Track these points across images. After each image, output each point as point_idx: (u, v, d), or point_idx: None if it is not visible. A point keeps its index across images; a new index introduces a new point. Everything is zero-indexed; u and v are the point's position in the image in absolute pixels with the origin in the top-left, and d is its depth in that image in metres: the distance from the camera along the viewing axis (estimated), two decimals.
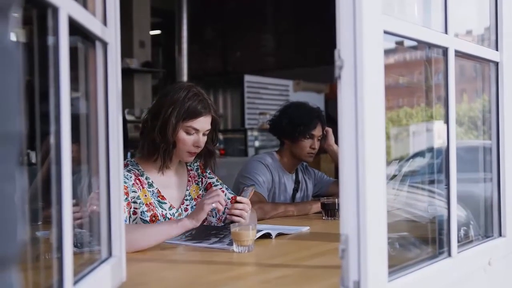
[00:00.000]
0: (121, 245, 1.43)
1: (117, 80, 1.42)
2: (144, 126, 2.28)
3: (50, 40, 1.04)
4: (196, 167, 2.46)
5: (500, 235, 1.84)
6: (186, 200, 2.37)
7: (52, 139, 1.04)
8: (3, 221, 0.60)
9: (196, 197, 2.40)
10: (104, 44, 1.38)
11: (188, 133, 2.23)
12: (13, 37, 0.63)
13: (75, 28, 1.14)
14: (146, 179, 2.26)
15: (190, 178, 2.42)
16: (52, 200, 1.04)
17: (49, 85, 1.04)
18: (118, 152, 1.42)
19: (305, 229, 2.39)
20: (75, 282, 1.11)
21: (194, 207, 2.34)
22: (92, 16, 1.28)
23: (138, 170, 2.26)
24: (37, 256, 1.25)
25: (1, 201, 0.60)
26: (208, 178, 2.47)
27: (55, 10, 1.02)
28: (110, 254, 1.40)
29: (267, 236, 2.15)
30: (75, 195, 1.09)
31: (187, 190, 2.38)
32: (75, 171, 1.10)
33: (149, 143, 2.24)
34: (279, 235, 2.22)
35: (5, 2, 0.61)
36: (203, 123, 2.25)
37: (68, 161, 1.04)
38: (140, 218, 2.19)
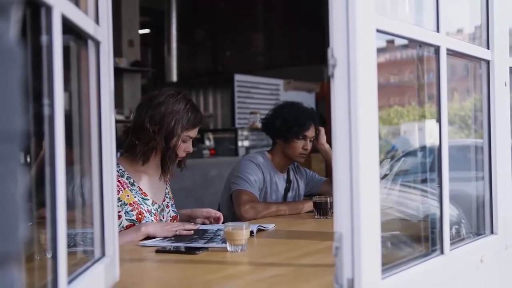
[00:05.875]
0: (114, 245, 1.42)
1: (109, 79, 1.41)
2: (140, 130, 2.31)
3: (43, 39, 1.04)
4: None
5: (492, 232, 1.86)
6: (167, 197, 2.49)
7: (45, 139, 1.03)
8: (6, 219, 0.60)
9: (171, 197, 2.54)
10: (97, 43, 1.38)
11: (184, 141, 2.36)
12: (14, 36, 0.63)
13: (68, 27, 1.13)
14: (127, 179, 2.33)
15: (167, 179, 2.53)
16: (46, 200, 1.03)
17: (42, 84, 1.03)
18: (111, 152, 1.41)
19: (271, 226, 2.42)
20: (69, 282, 1.11)
21: (173, 205, 2.51)
22: (85, 15, 1.27)
23: (118, 171, 2.30)
24: (29, 256, 1.24)
25: (3, 199, 0.60)
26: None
27: (48, 9, 1.01)
28: (103, 254, 1.39)
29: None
30: (66, 195, 1.08)
31: (166, 189, 2.51)
32: (67, 171, 1.10)
33: (149, 150, 2.31)
34: (259, 231, 2.28)
35: (7, 1, 0.61)
36: (197, 131, 2.42)
37: (61, 160, 1.04)
38: (126, 219, 2.25)
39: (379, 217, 1.25)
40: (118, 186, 2.24)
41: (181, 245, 2.00)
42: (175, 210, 2.51)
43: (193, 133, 2.38)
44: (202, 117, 2.42)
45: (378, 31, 1.27)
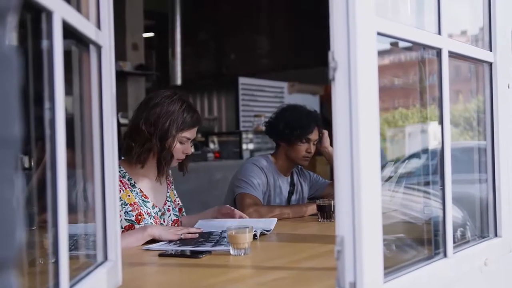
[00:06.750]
0: (116, 249, 1.42)
1: (111, 83, 1.42)
2: (136, 132, 2.31)
3: (44, 43, 1.04)
4: (170, 174, 2.58)
5: (496, 235, 1.85)
6: (168, 201, 2.48)
7: (46, 144, 1.03)
8: (2, 223, 0.60)
9: (173, 200, 2.52)
10: (98, 48, 1.38)
11: (181, 142, 2.35)
12: (11, 41, 0.63)
13: (69, 32, 1.14)
14: (128, 180, 2.34)
15: (168, 182, 2.53)
16: (48, 205, 1.03)
17: (43, 89, 1.04)
18: (113, 156, 1.41)
19: (274, 221, 2.44)
20: (71, 286, 1.11)
21: (175, 208, 2.49)
22: (86, 19, 1.27)
23: (120, 172, 2.30)
24: (32, 260, 1.25)
25: (0, 204, 0.60)
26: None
27: (49, 14, 1.01)
28: (105, 258, 1.39)
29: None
30: (70, 200, 1.09)
31: (168, 192, 2.50)
32: (70, 175, 1.10)
33: (145, 151, 2.31)
34: (262, 234, 2.28)
35: (3, 6, 0.61)
36: (194, 132, 2.40)
37: (63, 165, 1.04)
38: (125, 219, 2.26)
39: (381, 220, 1.25)
40: (119, 185, 2.24)
41: (188, 248, 1.99)
42: (177, 214, 2.51)
43: (190, 134, 2.36)
44: (199, 118, 2.40)
45: (379, 34, 1.27)
